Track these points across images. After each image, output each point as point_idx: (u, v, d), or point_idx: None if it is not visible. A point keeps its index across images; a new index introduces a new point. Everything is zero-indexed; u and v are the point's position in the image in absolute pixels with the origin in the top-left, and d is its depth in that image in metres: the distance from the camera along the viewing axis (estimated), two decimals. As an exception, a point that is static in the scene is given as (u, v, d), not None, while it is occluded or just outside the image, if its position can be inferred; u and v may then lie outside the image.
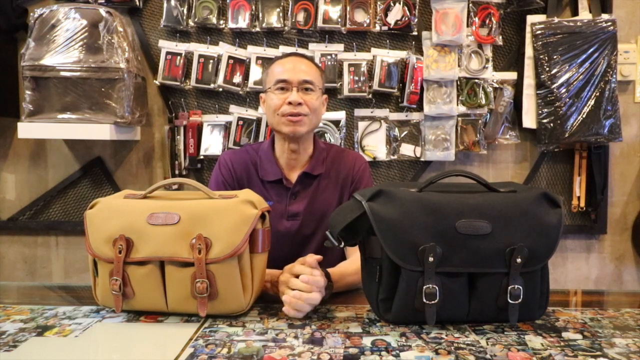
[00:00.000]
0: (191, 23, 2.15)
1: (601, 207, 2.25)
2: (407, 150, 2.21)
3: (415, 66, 2.13)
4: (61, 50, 1.90)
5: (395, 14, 2.15)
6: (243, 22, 2.14)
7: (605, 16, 2.12)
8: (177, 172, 2.18)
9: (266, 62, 2.15)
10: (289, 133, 1.39)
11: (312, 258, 1.10)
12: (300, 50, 2.15)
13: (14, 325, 1.01)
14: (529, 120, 2.17)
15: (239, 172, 1.48)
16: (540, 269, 1.01)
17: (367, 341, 0.93)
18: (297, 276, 1.08)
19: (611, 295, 1.43)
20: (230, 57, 2.15)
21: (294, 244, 1.43)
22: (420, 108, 2.19)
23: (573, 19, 2.13)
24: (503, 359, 0.85)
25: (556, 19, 2.13)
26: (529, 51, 2.14)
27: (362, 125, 2.20)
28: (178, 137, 2.18)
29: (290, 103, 1.37)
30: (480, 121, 2.19)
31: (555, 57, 2.10)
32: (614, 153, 2.27)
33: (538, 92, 2.12)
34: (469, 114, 2.20)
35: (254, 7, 2.15)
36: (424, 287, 0.96)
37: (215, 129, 2.18)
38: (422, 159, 2.21)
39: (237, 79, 2.16)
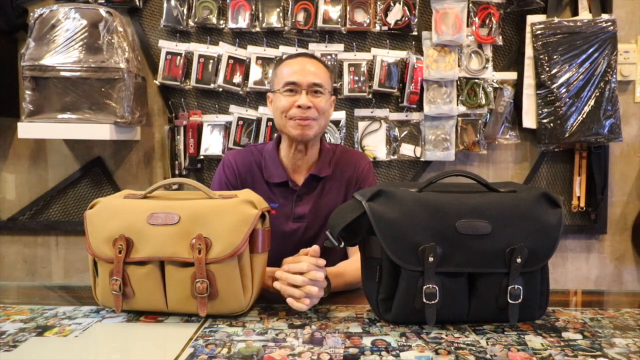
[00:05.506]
0: (191, 23, 2.15)
1: (601, 207, 2.25)
2: (407, 150, 2.21)
3: (415, 66, 2.13)
4: (61, 50, 1.89)
5: (395, 14, 2.15)
6: (243, 22, 2.14)
7: (605, 16, 2.12)
8: (177, 172, 2.18)
9: (266, 62, 2.15)
10: (297, 136, 1.38)
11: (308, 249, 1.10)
12: (301, 51, 2.15)
13: (14, 325, 1.01)
14: (529, 120, 2.16)
15: (243, 173, 1.46)
16: (540, 269, 1.01)
17: (367, 341, 0.93)
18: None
19: (611, 295, 1.43)
20: (230, 57, 2.15)
21: (299, 244, 1.42)
22: (420, 108, 2.19)
23: (573, 19, 2.13)
24: (503, 359, 0.86)
25: (556, 19, 2.13)
26: (529, 51, 2.14)
27: (362, 125, 2.20)
28: (178, 137, 2.18)
29: (299, 106, 1.36)
30: (480, 121, 2.19)
31: (555, 57, 2.10)
32: (614, 153, 2.27)
33: (538, 92, 2.12)
34: (469, 114, 2.19)
35: (254, 7, 2.15)
36: (424, 287, 0.96)
37: (215, 129, 2.18)
38: (422, 159, 2.21)
39: (237, 79, 2.16)
